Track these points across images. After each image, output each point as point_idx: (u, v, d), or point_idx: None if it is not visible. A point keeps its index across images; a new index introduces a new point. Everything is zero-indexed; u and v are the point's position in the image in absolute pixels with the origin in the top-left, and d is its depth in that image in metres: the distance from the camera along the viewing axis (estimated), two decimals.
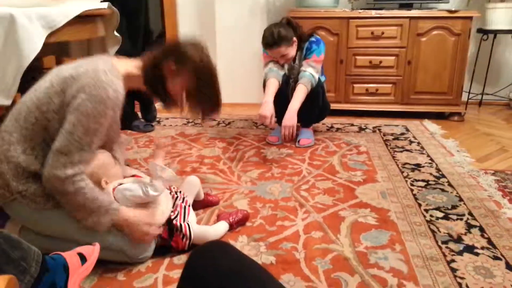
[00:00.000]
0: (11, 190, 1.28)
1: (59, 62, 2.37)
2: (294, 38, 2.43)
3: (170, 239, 1.43)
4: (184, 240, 1.42)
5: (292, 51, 2.43)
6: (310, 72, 2.39)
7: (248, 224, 1.66)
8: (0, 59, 1.58)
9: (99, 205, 1.27)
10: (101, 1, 2.06)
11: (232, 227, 1.59)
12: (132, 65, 1.40)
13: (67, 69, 1.30)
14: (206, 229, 1.53)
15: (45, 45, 1.67)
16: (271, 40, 2.37)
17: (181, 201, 1.53)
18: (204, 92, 1.43)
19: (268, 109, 2.28)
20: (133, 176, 1.52)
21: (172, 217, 1.44)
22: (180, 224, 1.43)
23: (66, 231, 1.32)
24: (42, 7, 1.71)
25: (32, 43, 1.60)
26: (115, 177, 1.44)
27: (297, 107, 2.33)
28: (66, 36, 1.79)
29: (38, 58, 1.68)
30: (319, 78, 2.47)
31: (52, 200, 1.29)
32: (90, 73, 1.24)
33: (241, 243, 1.53)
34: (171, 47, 1.40)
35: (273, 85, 2.41)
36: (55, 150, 1.22)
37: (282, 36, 2.37)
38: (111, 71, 1.28)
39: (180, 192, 1.58)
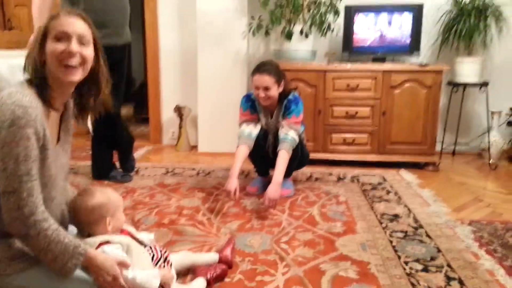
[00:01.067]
0: None
1: None
2: (282, 83, 2.47)
3: None
4: None
5: (275, 92, 2.43)
6: (292, 137, 2.41)
7: (226, 279, 1.62)
8: None
9: (63, 248, 1.19)
10: None
11: (210, 283, 1.55)
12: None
13: None
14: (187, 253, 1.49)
15: None
16: (263, 65, 2.44)
17: (162, 261, 1.48)
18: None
19: (231, 185, 2.30)
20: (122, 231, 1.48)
21: None
22: None
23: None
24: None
25: None
26: (118, 221, 1.41)
27: (281, 179, 2.34)
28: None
29: None
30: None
31: (15, 265, 1.22)
32: None
33: None
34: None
35: (240, 156, 2.43)
36: (2, 193, 1.15)
37: (275, 68, 2.44)
38: (18, 92, 1.17)
39: (161, 250, 1.53)
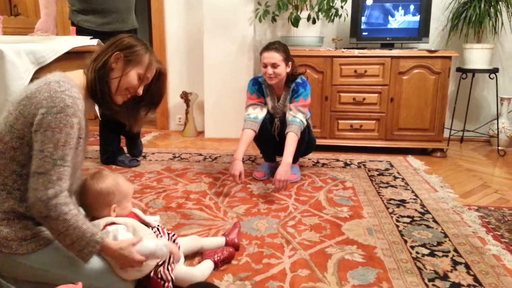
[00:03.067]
0: None
1: None
2: (290, 64, 2.45)
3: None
4: (166, 284, 1.39)
5: (283, 70, 2.41)
6: (301, 119, 2.41)
7: (233, 262, 1.63)
8: None
9: (80, 235, 1.21)
10: (90, 39, 2.09)
11: (217, 265, 1.57)
12: (81, 74, 1.38)
13: (20, 93, 1.28)
14: (192, 270, 1.50)
15: (33, 80, 1.67)
16: (271, 44, 2.44)
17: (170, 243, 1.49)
18: (151, 87, 1.47)
19: (236, 168, 2.31)
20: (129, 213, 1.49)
21: (160, 263, 1.40)
22: (161, 274, 1.39)
23: (44, 276, 1.28)
24: (32, 43, 1.72)
25: (20, 79, 1.60)
26: (124, 210, 1.43)
27: (291, 160, 2.33)
28: (55, 72, 1.80)
29: None
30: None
31: (26, 245, 1.25)
32: (43, 87, 1.22)
33: (227, 282, 1.50)
34: (114, 41, 1.40)
35: (245, 139, 2.44)
36: (32, 173, 1.18)
37: (283, 46, 2.44)
38: (65, 81, 1.24)
39: (169, 233, 1.54)
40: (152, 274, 1.38)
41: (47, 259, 1.28)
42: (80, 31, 2.47)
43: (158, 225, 1.52)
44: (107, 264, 1.32)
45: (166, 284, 1.39)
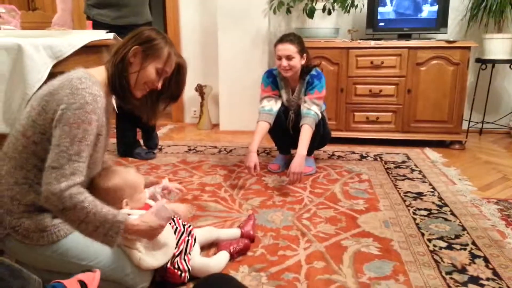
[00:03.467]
0: (4, 225, 1.26)
1: None
2: (305, 55, 2.44)
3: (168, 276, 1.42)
4: (183, 274, 1.41)
5: (297, 62, 2.40)
6: (315, 112, 2.39)
7: (249, 253, 1.64)
8: (7, 88, 1.60)
9: (103, 219, 1.19)
10: (106, 33, 2.11)
11: (233, 256, 1.58)
12: (103, 70, 1.39)
13: (44, 88, 1.30)
14: (207, 261, 1.51)
15: (51, 74, 1.69)
16: (286, 36, 2.43)
17: (186, 234, 1.51)
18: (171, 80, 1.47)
19: (251, 160, 2.31)
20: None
21: (176, 253, 1.43)
22: (178, 265, 1.42)
23: (64, 266, 1.30)
24: (50, 37, 1.75)
25: (38, 73, 1.62)
26: (137, 203, 1.42)
27: (305, 152, 2.32)
28: (72, 66, 1.80)
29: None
30: None
31: (46, 236, 1.27)
32: (65, 84, 1.24)
33: (242, 274, 1.51)
34: (134, 34, 1.40)
35: (260, 132, 2.44)
36: (47, 167, 1.18)
37: (298, 38, 2.42)
38: (86, 78, 1.26)
39: (185, 225, 1.56)
40: (169, 264, 1.40)
41: (66, 250, 1.30)
42: (95, 25, 2.49)
43: (174, 217, 1.54)
44: (124, 256, 1.34)
45: (183, 274, 1.41)
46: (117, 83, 1.35)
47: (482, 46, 3.26)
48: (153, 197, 1.58)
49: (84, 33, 2.08)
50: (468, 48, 3.01)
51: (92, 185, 1.41)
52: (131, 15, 2.59)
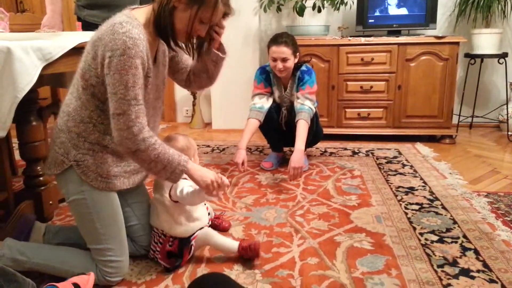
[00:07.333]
0: (69, 158, 1.36)
1: (54, 92, 2.39)
2: (297, 54, 2.46)
3: (180, 255, 1.54)
4: (191, 251, 1.56)
5: (292, 63, 2.43)
6: (309, 106, 2.41)
7: None
8: None
9: (170, 158, 1.33)
10: None
11: (240, 252, 1.56)
12: (149, 10, 1.38)
13: (95, 33, 1.34)
14: (211, 232, 1.61)
15: (41, 76, 1.68)
16: (280, 36, 2.43)
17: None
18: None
19: (239, 157, 2.33)
20: None
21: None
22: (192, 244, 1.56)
23: (86, 221, 1.39)
24: (39, 39, 1.74)
25: (28, 75, 1.61)
26: (196, 161, 1.61)
27: (303, 147, 2.33)
28: (62, 68, 1.80)
29: (33, 90, 1.69)
30: None
31: (100, 181, 1.37)
32: (108, 30, 1.27)
33: (237, 271, 1.52)
34: None
35: (250, 129, 2.46)
36: (112, 114, 1.27)
37: (291, 39, 2.43)
38: (128, 22, 1.27)
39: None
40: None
41: (98, 203, 1.39)
42: (86, 26, 2.48)
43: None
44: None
45: (191, 251, 1.57)
46: (162, 26, 1.35)
47: (470, 41, 3.30)
48: None
49: (74, 35, 2.07)
50: (457, 43, 3.04)
51: None
52: None
